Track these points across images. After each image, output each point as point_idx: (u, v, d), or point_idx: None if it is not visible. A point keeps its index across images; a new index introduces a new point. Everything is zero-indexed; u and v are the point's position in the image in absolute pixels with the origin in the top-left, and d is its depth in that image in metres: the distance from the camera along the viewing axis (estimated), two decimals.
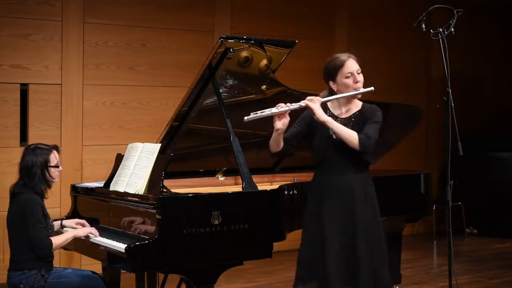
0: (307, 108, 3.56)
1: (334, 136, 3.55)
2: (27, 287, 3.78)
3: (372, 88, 3.55)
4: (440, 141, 8.63)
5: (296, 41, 4.36)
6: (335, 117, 3.62)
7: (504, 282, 6.07)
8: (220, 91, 4.18)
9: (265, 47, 4.19)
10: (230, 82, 4.34)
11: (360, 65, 3.62)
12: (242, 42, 4.09)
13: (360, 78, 3.59)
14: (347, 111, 3.64)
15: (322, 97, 3.63)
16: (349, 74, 3.56)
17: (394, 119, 5.13)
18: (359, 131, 3.50)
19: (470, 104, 8.40)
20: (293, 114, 3.64)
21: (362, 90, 3.57)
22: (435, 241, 8.14)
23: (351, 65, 3.58)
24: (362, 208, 3.54)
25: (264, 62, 4.28)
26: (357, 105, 3.65)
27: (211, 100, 4.27)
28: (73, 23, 6.25)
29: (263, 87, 4.43)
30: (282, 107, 3.53)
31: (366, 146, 3.46)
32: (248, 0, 7.30)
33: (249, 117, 3.62)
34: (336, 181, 3.56)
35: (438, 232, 8.16)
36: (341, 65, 3.57)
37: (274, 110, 3.54)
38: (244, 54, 4.16)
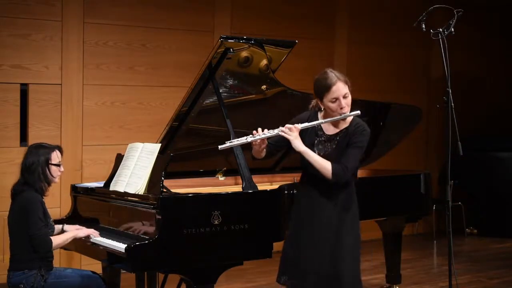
0: (287, 132, 3.45)
1: (316, 151, 3.51)
2: (27, 287, 3.78)
3: (358, 112, 3.47)
4: (440, 141, 8.64)
5: (296, 41, 4.36)
6: (322, 132, 3.55)
7: (504, 282, 6.06)
8: (220, 91, 4.18)
9: (265, 47, 4.19)
10: (230, 82, 4.34)
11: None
12: (242, 42, 4.09)
13: (346, 102, 3.44)
14: (335, 127, 3.55)
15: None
16: (335, 100, 3.43)
17: (394, 119, 5.14)
18: (342, 152, 3.45)
19: (470, 104, 8.39)
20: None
21: (347, 114, 3.46)
22: (435, 241, 8.13)
23: (337, 89, 3.41)
24: (343, 225, 3.48)
25: (264, 62, 4.28)
26: (346, 121, 3.54)
27: (211, 100, 4.27)
28: (73, 23, 6.25)
29: (263, 87, 4.43)
30: (258, 134, 3.48)
31: (340, 178, 3.41)
32: (248, 0, 7.30)
33: (223, 145, 3.57)
34: (315, 196, 3.52)
35: (438, 232, 8.16)
36: (327, 88, 3.43)
37: (249, 138, 3.49)
38: (244, 54, 4.16)
